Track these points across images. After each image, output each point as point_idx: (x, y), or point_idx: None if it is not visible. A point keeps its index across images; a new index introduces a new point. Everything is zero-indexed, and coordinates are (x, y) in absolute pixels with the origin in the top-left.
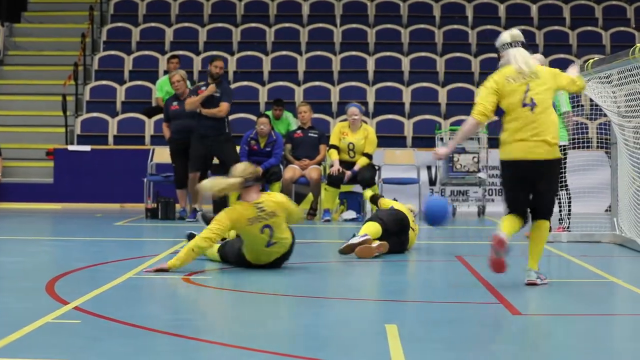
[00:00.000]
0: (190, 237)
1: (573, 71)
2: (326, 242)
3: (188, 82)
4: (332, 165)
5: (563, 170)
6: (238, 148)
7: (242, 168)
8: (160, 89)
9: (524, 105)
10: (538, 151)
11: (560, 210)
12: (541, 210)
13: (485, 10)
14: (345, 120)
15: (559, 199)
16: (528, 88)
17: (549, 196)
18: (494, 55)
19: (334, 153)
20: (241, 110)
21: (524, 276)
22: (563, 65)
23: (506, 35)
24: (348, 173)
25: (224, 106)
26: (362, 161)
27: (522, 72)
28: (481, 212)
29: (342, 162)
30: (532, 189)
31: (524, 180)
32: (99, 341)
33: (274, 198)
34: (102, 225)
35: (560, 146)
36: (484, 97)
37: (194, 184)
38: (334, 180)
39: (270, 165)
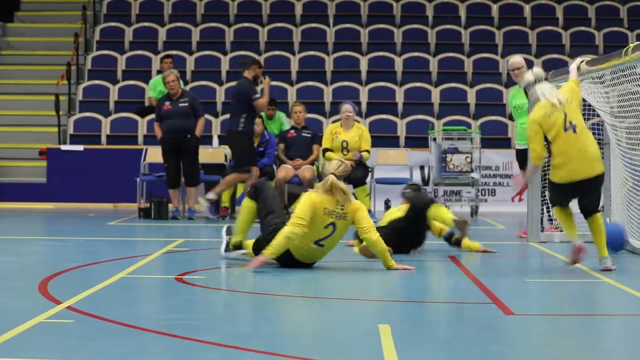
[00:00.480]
0: (229, 230)
1: (573, 74)
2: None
3: (181, 82)
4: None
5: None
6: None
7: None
8: (154, 89)
9: (566, 129)
10: (587, 171)
11: (549, 211)
12: (592, 208)
13: (478, 11)
14: (336, 120)
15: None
16: (565, 115)
17: (596, 195)
18: (487, 55)
19: (332, 155)
20: None
21: (516, 277)
22: (555, 65)
23: (530, 76)
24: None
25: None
26: (364, 152)
27: (555, 105)
28: (474, 212)
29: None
30: (580, 195)
31: (574, 194)
32: (92, 341)
33: (355, 202)
34: (95, 225)
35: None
36: (534, 143)
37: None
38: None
39: (263, 165)
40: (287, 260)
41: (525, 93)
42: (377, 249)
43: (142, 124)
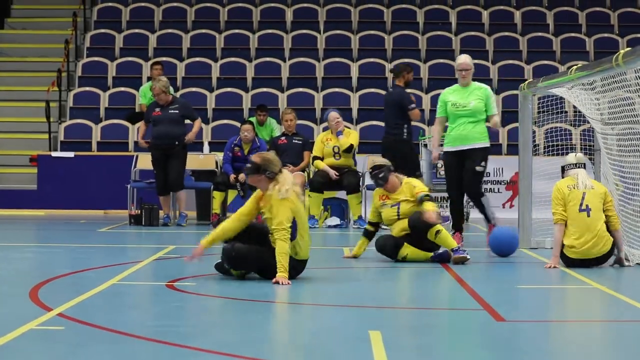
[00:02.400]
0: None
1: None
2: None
3: (171, 88)
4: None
5: (485, 173)
6: (221, 155)
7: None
8: (144, 96)
9: (581, 210)
10: (593, 252)
11: (484, 212)
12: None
13: (468, 17)
14: (327, 128)
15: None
16: (584, 197)
17: None
18: (478, 61)
19: (320, 164)
20: (224, 116)
21: (507, 283)
22: (546, 71)
23: (571, 157)
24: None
25: None
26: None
27: (579, 185)
28: (465, 218)
29: (329, 166)
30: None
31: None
32: (82, 347)
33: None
34: (85, 231)
35: (483, 148)
36: (557, 207)
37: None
38: (317, 186)
39: None
40: (301, 267)
41: (562, 172)
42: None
43: (133, 131)
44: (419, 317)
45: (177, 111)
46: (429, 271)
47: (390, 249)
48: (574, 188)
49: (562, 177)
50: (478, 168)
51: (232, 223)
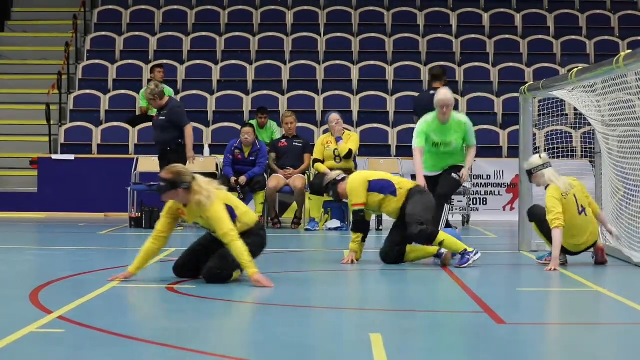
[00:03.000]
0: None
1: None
2: (311, 251)
3: (169, 90)
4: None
5: (460, 185)
6: (221, 157)
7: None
8: (144, 99)
9: (580, 213)
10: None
11: (439, 216)
12: None
13: (469, 20)
14: (327, 131)
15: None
16: (575, 198)
17: None
18: (478, 64)
19: (320, 166)
20: (225, 119)
21: (508, 286)
22: (546, 74)
23: (536, 159)
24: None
25: None
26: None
27: (566, 189)
28: (466, 221)
29: (329, 169)
30: None
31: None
32: (82, 350)
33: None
34: (86, 234)
35: (457, 166)
36: (556, 212)
37: None
38: (318, 188)
39: (254, 174)
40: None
41: (529, 176)
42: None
43: (133, 134)
44: (419, 319)
45: (164, 117)
46: (429, 274)
47: (393, 258)
48: (567, 195)
49: (530, 182)
50: (454, 175)
51: (153, 244)
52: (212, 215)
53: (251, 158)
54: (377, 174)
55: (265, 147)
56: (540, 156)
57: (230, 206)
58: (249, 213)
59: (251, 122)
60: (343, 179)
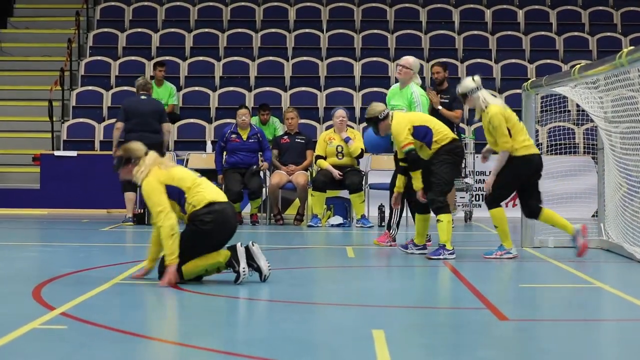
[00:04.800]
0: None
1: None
2: (313, 247)
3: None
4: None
5: None
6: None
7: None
8: None
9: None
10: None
11: (391, 219)
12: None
13: (471, 16)
14: (330, 127)
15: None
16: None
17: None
18: (480, 60)
19: (323, 163)
20: (227, 115)
21: (510, 282)
22: (549, 70)
23: (469, 82)
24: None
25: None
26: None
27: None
28: (468, 217)
29: (332, 166)
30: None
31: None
32: (85, 347)
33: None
34: (88, 230)
35: None
36: (503, 132)
37: None
38: (320, 185)
39: (269, 158)
40: (219, 213)
41: (463, 99)
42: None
43: None
44: (422, 316)
45: None
46: (432, 270)
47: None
48: (506, 108)
49: (467, 104)
50: None
51: (154, 232)
52: (143, 192)
53: (250, 141)
54: (420, 117)
55: (262, 131)
56: (473, 79)
57: (176, 187)
58: (202, 194)
59: (253, 118)
60: (386, 116)
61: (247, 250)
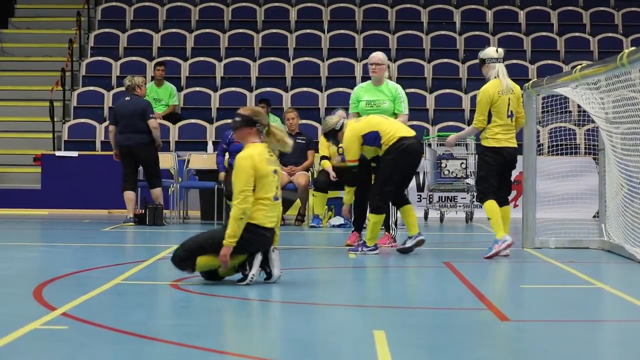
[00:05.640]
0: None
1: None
2: (314, 248)
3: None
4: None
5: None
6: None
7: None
8: (147, 96)
9: (508, 116)
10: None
11: (389, 220)
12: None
13: (473, 17)
14: None
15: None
16: (509, 102)
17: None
18: None
19: (326, 163)
20: (229, 116)
21: (511, 283)
22: (550, 71)
23: (492, 51)
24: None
25: None
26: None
27: (504, 90)
28: (469, 218)
29: (334, 167)
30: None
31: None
32: (86, 347)
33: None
34: (89, 231)
35: None
36: (482, 114)
37: None
38: (321, 186)
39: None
40: (256, 236)
41: (481, 64)
42: None
43: None
44: (423, 316)
45: None
46: (432, 271)
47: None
48: (502, 94)
49: (481, 69)
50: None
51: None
52: (235, 163)
53: None
54: (369, 123)
55: None
56: (497, 50)
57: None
58: (267, 212)
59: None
60: (342, 126)
61: (266, 254)
